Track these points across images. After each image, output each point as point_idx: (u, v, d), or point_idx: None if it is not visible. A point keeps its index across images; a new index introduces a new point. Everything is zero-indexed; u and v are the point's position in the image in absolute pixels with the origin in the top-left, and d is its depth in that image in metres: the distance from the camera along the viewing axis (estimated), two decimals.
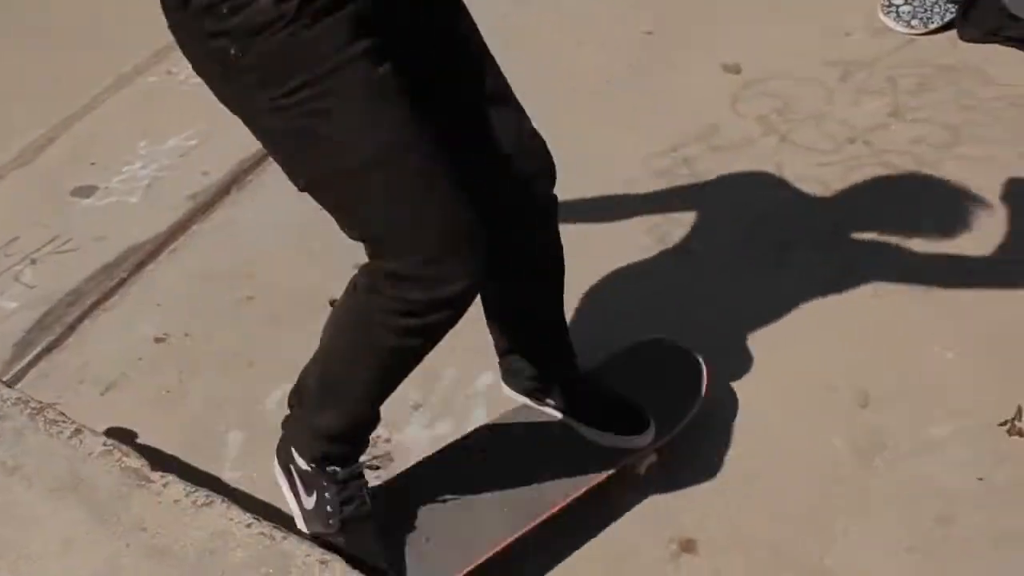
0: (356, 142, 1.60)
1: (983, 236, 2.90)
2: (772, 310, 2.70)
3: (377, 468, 2.31)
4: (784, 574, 2.15)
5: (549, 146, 1.93)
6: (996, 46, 3.61)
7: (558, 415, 2.24)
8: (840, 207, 3.03)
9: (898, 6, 3.70)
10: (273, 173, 2.94)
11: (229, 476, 2.42)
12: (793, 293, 2.74)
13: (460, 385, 2.58)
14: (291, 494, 2.04)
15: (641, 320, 2.64)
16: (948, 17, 3.67)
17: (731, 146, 3.24)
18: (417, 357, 1.82)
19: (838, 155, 3.20)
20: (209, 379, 2.67)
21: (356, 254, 1.73)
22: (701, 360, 2.38)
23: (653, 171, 3.15)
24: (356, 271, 1.77)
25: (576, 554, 2.20)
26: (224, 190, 3.26)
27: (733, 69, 3.51)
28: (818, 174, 3.13)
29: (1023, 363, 2.54)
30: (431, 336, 1.76)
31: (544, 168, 1.93)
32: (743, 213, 3.01)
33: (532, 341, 2.20)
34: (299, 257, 2.97)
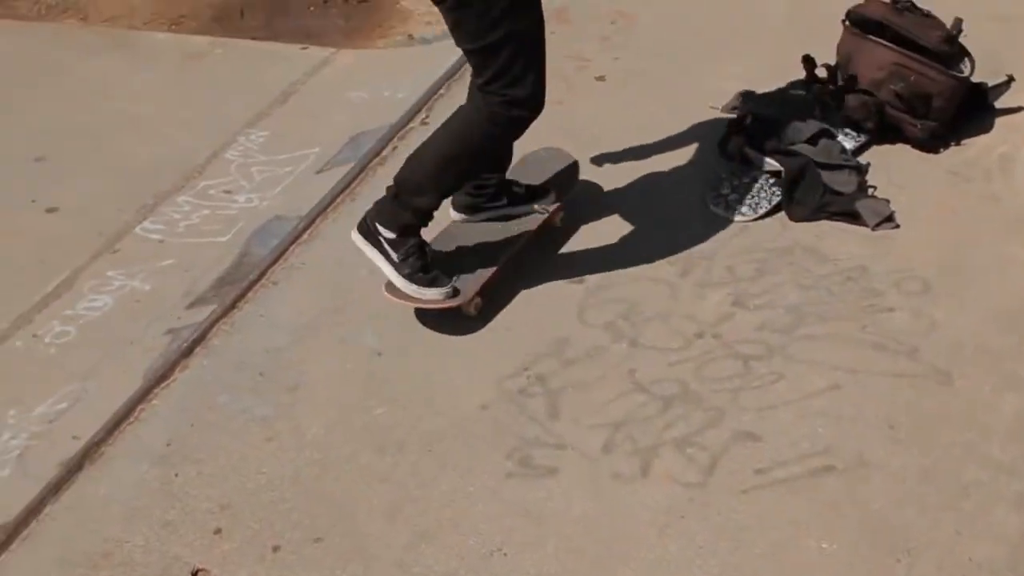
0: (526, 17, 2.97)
1: (835, 412, 2.93)
2: (638, 522, 2.67)
3: None
4: None
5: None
6: (824, 222, 3.75)
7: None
8: (699, 405, 3.05)
9: (726, 195, 3.83)
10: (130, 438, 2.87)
11: None
12: (660, 500, 2.73)
13: None
14: (378, 254, 3.25)
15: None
16: (775, 200, 3.81)
17: (583, 357, 3.26)
18: (504, 146, 3.36)
19: (688, 352, 3.24)
20: None
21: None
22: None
23: (507, 393, 3.15)
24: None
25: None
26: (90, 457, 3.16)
27: (576, 280, 3.57)
28: (672, 374, 3.16)
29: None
30: (518, 128, 3.16)
31: None
32: (602, 424, 3.00)
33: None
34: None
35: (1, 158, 4.76)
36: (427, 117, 4.14)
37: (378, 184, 3.91)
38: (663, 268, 3.58)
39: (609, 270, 3.59)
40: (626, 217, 3.83)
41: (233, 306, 3.43)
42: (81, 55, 5.60)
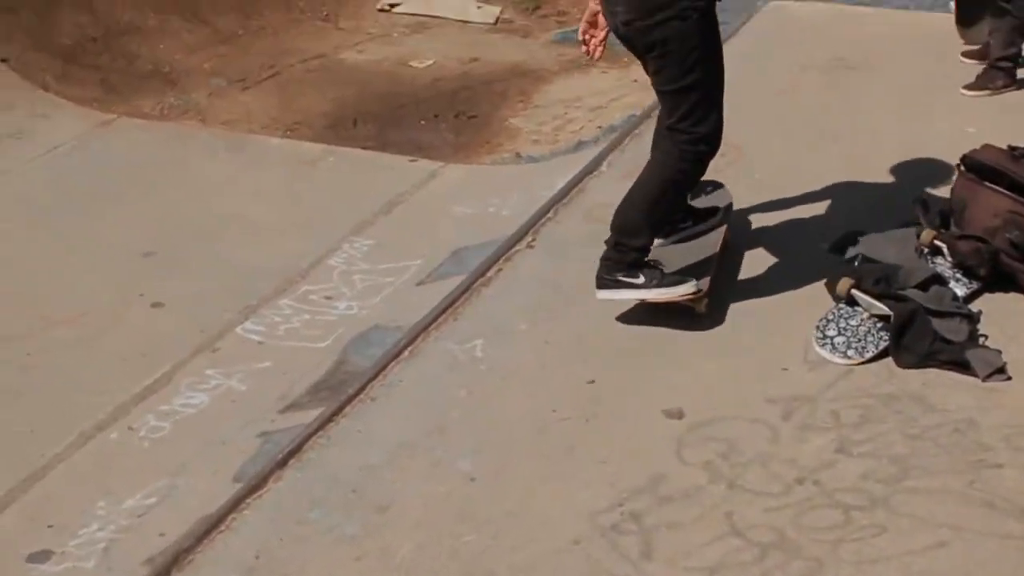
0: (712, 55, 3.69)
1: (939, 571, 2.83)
2: None
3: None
4: None
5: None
6: (933, 370, 3.65)
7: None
8: (797, 555, 2.95)
9: (832, 337, 3.76)
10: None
11: None
12: None
13: None
14: (626, 291, 3.76)
15: None
16: (882, 345, 3.73)
17: (679, 496, 3.18)
18: (694, 180, 3.89)
19: (788, 498, 3.15)
20: None
21: None
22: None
23: (600, 528, 3.08)
24: None
25: None
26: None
27: (676, 415, 3.51)
28: (770, 520, 3.06)
29: None
30: (703, 162, 3.78)
31: None
32: (696, 568, 2.92)
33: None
34: None
35: (113, 251, 4.89)
36: (533, 240, 4.16)
37: (481, 304, 3.92)
38: (764, 408, 3.51)
39: (709, 406, 3.52)
40: (728, 353, 3.77)
41: (330, 419, 3.44)
42: (198, 155, 5.77)
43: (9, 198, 5.40)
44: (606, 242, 3.81)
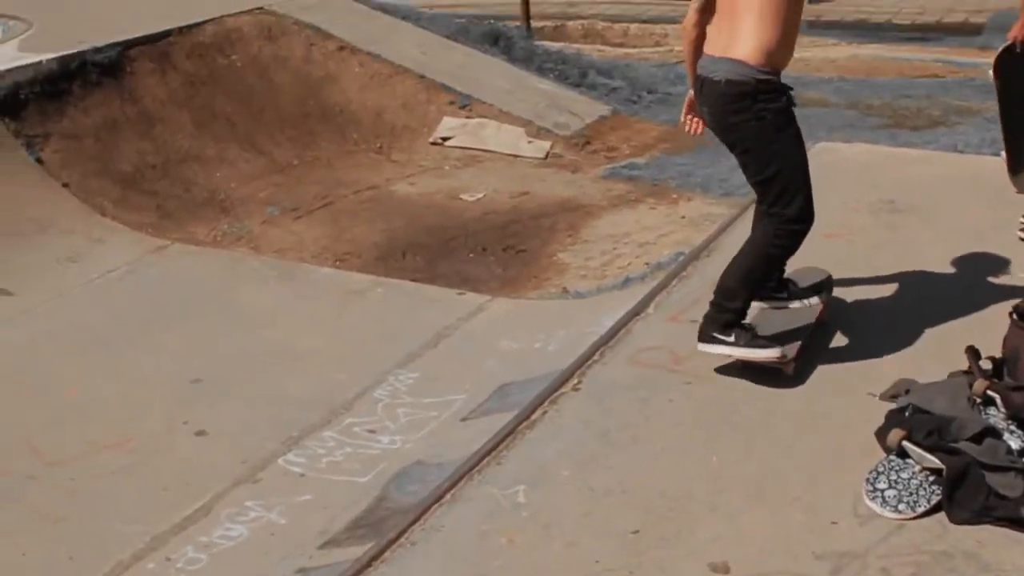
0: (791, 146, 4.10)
1: None
2: None
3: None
4: None
5: None
6: (988, 527, 3.54)
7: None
8: None
9: (883, 490, 3.67)
10: None
11: None
12: None
13: None
14: (722, 347, 4.16)
15: None
16: (935, 499, 3.63)
17: None
18: (789, 254, 4.25)
19: None
20: None
21: None
22: None
23: None
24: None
25: None
26: None
27: (721, 568, 3.42)
28: None
29: None
30: (797, 239, 4.17)
31: None
32: None
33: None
34: None
35: (161, 376, 4.93)
36: (579, 383, 4.13)
37: (525, 447, 3.87)
38: (813, 564, 3.40)
39: (755, 560, 3.42)
40: (776, 503, 3.69)
41: (369, 564, 3.37)
42: (250, 283, 5.85)
43: (62, 321, 5.49)
44: (710, 302, 4.24)
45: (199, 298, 5.70)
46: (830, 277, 4.74)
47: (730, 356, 4.23)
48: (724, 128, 4.11)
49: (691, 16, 4.20)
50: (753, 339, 4.20)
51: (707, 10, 4.15)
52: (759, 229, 4.25)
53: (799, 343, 4.32)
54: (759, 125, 4.02)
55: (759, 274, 4.28)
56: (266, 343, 5.19)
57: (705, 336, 4.23)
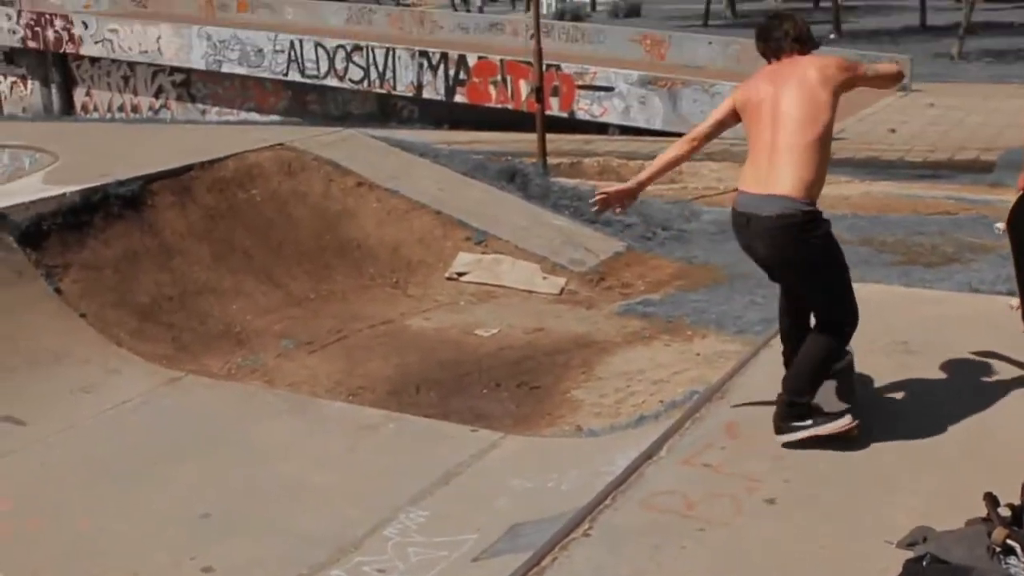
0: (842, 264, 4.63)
1: None
2: None
3: None
4: None
5: None
6: None
7: None
8: None
9: None
10: None
11: None
12: None
13: None
14: (797, 434, 4.64)
15: None
16: None
17: None
18: (843, 349, 4.80)
19: None
20: None
21: None
22: None
23: None
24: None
25: None
26: None
27: None
28: None
29: None
30: (847, 338, 4.72)
31: None
32: None
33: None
34: None
35: (170, 510, 4.90)
36: (590, 528, 4.08)
37: None
38: None
39: None
40: None
41: None
42: (261, 417, 5.85)
43: (73, 452, 5.48)
44: (780, 396, 4.71)
45: (211, 431, 5.69)
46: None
47: (814, 435, 4.68)
48: (781, 259, 4.56)
49: (701, 129, 4.74)
50: (826, 416, 4.69)
51: (710, 137, 4.76)
52: (820, 338, 4.70)
53: (853, 401, 4.90)
54: (809, 251, 4.47)
55: (823, 373, 4.75)
56: (277, 477, 5.16)
57: (784, 429, 4.69)
